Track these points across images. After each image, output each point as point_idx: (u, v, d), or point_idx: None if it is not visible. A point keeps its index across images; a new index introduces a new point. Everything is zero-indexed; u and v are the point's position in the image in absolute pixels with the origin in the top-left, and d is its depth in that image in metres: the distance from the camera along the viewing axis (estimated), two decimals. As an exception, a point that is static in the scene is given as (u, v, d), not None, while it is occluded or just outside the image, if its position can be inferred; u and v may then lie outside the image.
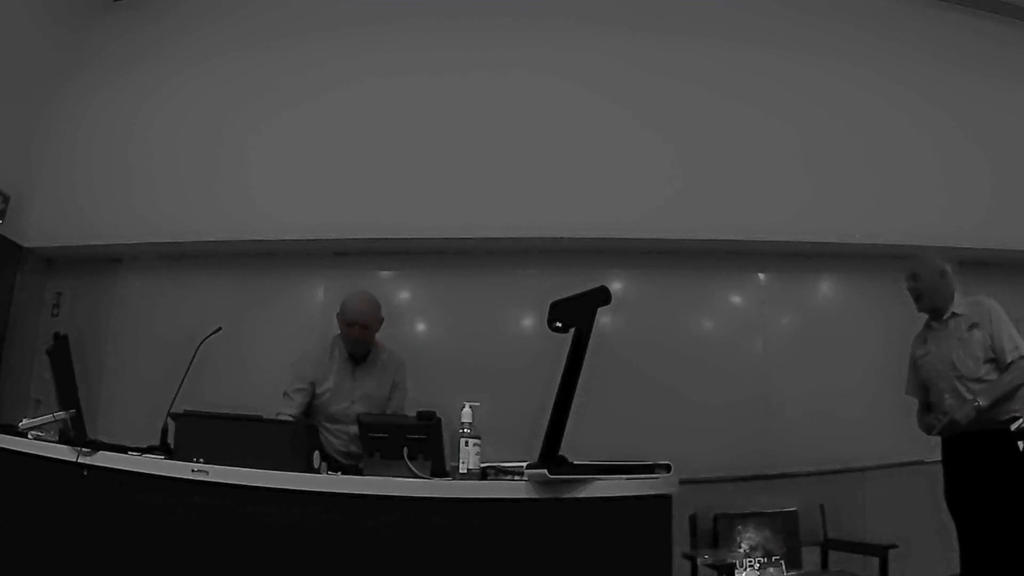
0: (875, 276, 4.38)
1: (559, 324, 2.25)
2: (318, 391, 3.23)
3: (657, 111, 4.27)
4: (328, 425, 3.21)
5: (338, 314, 3.26)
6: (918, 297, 3.15)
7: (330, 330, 3.34)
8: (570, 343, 2.21)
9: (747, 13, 4.49)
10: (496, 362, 4.08)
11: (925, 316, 3.21)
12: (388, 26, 4.43)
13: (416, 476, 2.29)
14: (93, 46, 4.51)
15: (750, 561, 2.59)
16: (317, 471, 2.36)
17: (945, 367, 3.05)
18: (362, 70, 4.37)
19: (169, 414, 2.60)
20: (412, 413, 2.49)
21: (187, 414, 2.51)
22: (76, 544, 2.37)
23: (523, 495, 2.18)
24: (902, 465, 4.08)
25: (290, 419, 3.13)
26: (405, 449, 2.35)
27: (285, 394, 3.21)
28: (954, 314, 3.10)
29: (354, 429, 2.94)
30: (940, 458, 3.15)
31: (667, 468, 2.29)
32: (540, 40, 4.40)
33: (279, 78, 4.37)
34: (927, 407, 3.19)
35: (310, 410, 3.25)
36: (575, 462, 2.17)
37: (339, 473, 2.47)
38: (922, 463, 4.09)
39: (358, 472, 2.57)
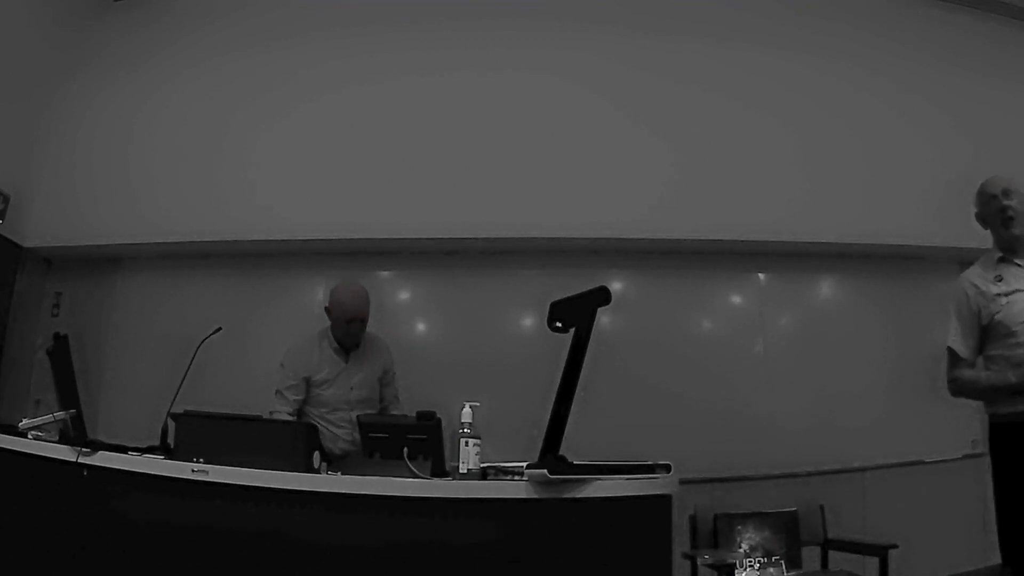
0: (875, 276, 4.39)
1: (559, 324, 2.25)
2: (315, 381, 3.25)
3: (657, 111, 4.27)
4: (329, 416, 3.23)
5: (331, 309, 3.28)
6: (1010, 220, 2.61)
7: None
8: (570, 343, 2.21)
9: (747, 13, 4.49)
10: (496, 362, 4.08)
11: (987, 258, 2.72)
12: (387, 26, 4.43)
13: (416, 476, 2.29)
14: (93, 46, 4.50)
15: (750, 561, 2.59)
16: (317, 471, 2.37)
17: None
18: (361, 70, 4.37)
19: (169, 414, 2.60)
20: (412, 413, 2.50)
21: (187, 414, 2.51)
22: (76, 544, 2.37)
23: (523, 495, 2.18)
24: (902, 465, 4.09)
25: (288, 418, 3.15)
26: (405, 449, 2.35)
27: (277, 392, 3.23)
28: None
29: (356, 415, 2.96)
30: (989, 446, 2.63)
31: (667, 468, 2.29)
32: (540, 40, 4.40)
33: (279, 78, 4.37)
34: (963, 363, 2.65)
35: (307, 404, 3.26)
36: (575, 462, 2.17)
37: (339, 472, 2.47)
38: (922, 463, 4.11)
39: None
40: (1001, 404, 2.57)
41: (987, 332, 2.62)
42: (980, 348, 2.66)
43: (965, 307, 2.67)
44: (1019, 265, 2.64)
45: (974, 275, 2.70)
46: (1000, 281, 2.63)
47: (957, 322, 2.68)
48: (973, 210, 2.75)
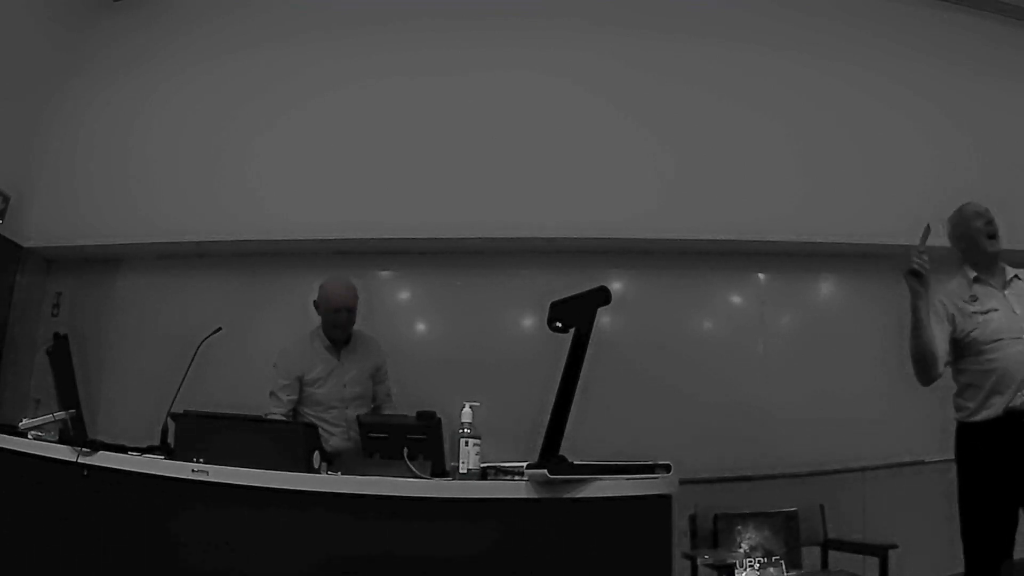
0: (875, 275, 4.38)
1: (559, 324, 2.25)
2: (308, 380, 3.25)
3: (656, 111, 4.27)
4: (324, 415, 3.23)
5: (319, 303, 3.28)
6: (996, 233, 2.83)
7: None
8: (570, 343, 2.21)
9: (747, 13, 4.49)
10: (496, 362, 4.08)
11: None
12: (386, 26, 4.43)
13: (416, 476, 2.29)
14: (93, 46, 4.50)
15: (750, 561, 2.59)
16: (317, 471, 2.37)
17: None
18: (361, 70, 4.37)
19: (169, 414, 2.60)
20: (412, 413, 2.50)
21: (187, 414, 2.52)
22: (76, 544, 2.37)
23: (523, 495, 2.18)
24: (902, 465, 4.08)
25: (285, 419, 3.15)
26: (405, 449, 2.35)
27: (272, 394, 3.23)
28: (1017, 277, 2.83)
29: (351, 412, 2.97)
30: (956, 449, 2.91)
31: (667, 468, 2.29)
32: (540, 40, 4.40)
33: (279, 78, 4.37)
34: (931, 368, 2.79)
35: (301, 404, 3.26)
36: (575, 462, 2.17)
37: (339, 472, 2.46)
38: (922, 463, 4.10)
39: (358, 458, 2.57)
40: (973, 410, 2.77)
41: (959, 346, 2.80)
42: (948, 356, 2.82)
43: (943, 315, 2.83)
44: (992, 286, 2.82)
45: (950, 293, 2.88)
46: (975, 301, 2.81)
47: (929, 329, 2.79)
48: (946, 231, 2.91)
